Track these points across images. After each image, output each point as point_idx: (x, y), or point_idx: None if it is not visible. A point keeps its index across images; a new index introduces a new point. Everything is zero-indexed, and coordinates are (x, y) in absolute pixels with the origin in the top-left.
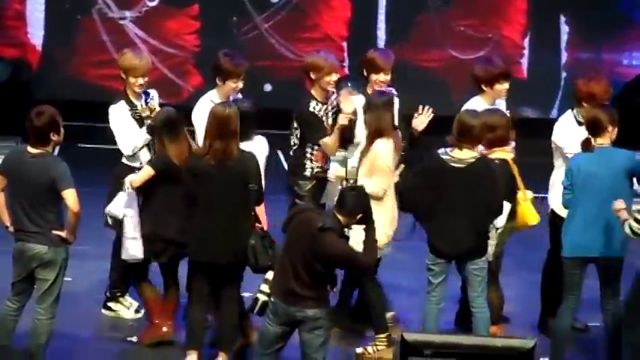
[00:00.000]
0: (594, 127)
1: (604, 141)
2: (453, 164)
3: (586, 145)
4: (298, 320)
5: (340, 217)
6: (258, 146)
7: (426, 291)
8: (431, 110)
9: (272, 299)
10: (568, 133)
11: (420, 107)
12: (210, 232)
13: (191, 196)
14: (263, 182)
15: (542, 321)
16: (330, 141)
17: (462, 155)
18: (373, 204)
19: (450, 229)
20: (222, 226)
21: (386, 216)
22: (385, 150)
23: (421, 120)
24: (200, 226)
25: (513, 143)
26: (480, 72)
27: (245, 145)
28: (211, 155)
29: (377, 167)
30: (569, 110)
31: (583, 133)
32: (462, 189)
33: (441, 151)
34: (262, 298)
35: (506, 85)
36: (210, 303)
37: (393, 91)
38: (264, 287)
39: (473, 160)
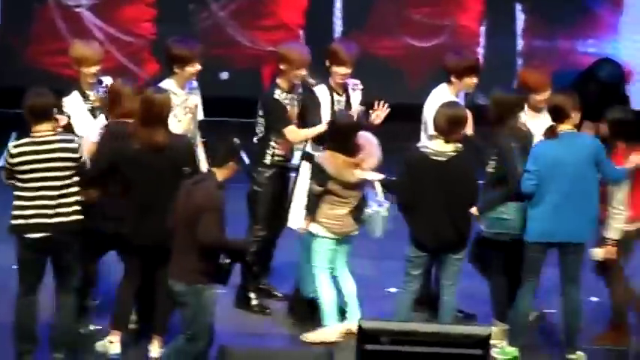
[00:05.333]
0: (557, 113)
1: (567, 127)
2: (434, 157)
3: (550, 132)
4: None
5: (215, 171)
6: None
7: (403, 281)
8: (387, 105)
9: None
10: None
11: (376, 102)
12: (146, 216)
13: (125, 182)
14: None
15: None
16: (300, 131)
17: (443, 148)
18: None
19: (432, 223)
20: (157, 210)
21: None
22: None
23: (377, 115)
24: (136, 212)
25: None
26: (451, 63)
27: None
28: (137, 141)
29: None
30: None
31: None
32: (442, 183)
33: (420, 145)
34: None
35: (475, 80)
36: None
37: (359, 84)
38: None
39: (454, 153)
